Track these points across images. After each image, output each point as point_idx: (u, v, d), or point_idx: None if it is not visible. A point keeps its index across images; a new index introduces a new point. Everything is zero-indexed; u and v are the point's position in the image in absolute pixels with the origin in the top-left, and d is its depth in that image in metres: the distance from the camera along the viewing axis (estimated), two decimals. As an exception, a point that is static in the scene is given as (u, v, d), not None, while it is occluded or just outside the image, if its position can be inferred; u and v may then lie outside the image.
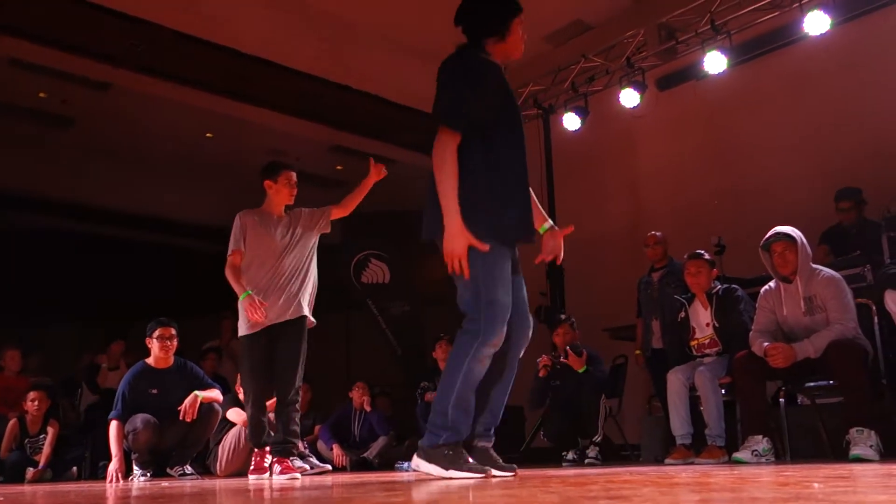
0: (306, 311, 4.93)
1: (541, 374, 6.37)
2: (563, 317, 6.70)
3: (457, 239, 2.91)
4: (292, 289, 4.90)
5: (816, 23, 6.50)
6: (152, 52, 7.71)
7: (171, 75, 8.16)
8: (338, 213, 5.21)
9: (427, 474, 2.92)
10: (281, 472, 4.72)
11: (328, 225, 5.19)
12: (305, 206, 5.26)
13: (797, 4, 6.71)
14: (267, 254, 4.89)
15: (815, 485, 1.98)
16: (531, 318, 3.37)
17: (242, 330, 4.87)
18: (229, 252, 4.90)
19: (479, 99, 2.99)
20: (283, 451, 4.79)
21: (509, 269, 3.15)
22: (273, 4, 7.63)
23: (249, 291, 4.70)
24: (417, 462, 2.97)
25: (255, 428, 4.92)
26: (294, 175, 5.16)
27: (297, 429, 4.89)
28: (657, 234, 6.56)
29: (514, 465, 3.13)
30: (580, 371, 6.18)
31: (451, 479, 2.84)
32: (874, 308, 4.70)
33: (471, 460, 2.94)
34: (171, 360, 5.77)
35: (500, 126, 3.05)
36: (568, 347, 6.25)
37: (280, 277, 4.87)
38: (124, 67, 7.89)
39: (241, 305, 4.75)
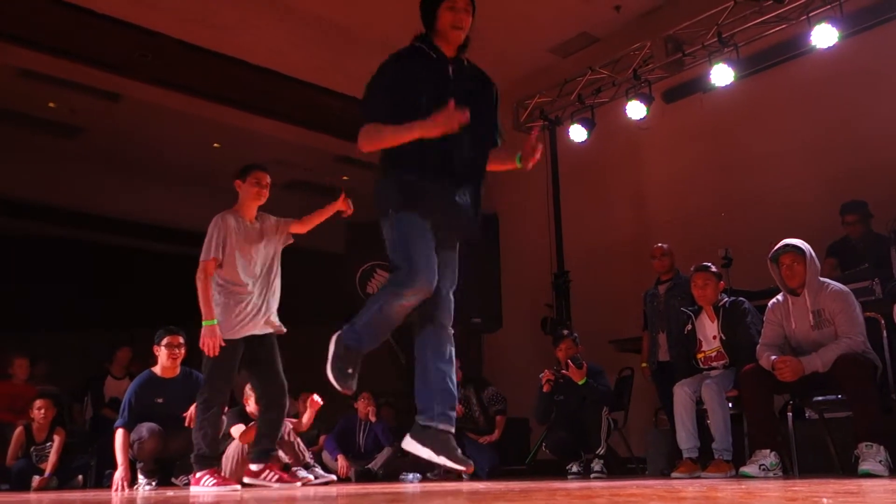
0: (276, 325, 4.93)
1: (545, 389, 6.36)
2: (565, 332, 6.68)
3: None
4: (266, 300, 4.89)
5: (824, 36, 6.49)
6: (161, 62, 7.76)
7: (180, 86, 8.21)
8: (296, 228, 5.14)
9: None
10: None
11: (290, 238, 5.14)
12: (303, 212, 5.27)
13: (804, 17, 6.71)
14: (245, 261, 4.84)
15: (824, 500, 1.97)
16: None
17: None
18: (205, 257, 4.78)
19: (382, 90, 3.27)
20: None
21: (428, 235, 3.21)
22: (281, 16, 7.66)
23: (216, 321, 4.65)
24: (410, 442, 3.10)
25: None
26: (266, 176, 5.09)
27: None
28: (664, 245, 6.55)
29: (470, 461, 3.12)
30: (580, 383, 6.18)
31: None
32: (883, 322, 4.68)
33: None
34: (178, 369, 5.78)
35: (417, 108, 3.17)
36: (569, 359, 6.24)
37: (255, 287, 4.83)
38: (133, 78, 7.95)
39: (204, 329, 4.67)
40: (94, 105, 8.83)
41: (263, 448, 4.96)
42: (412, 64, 3.26)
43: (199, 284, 4.74)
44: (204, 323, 4.65)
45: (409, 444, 3.07)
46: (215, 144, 10.18)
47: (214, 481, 4.67)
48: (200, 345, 4.65)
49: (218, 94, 8.38)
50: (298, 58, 8.03)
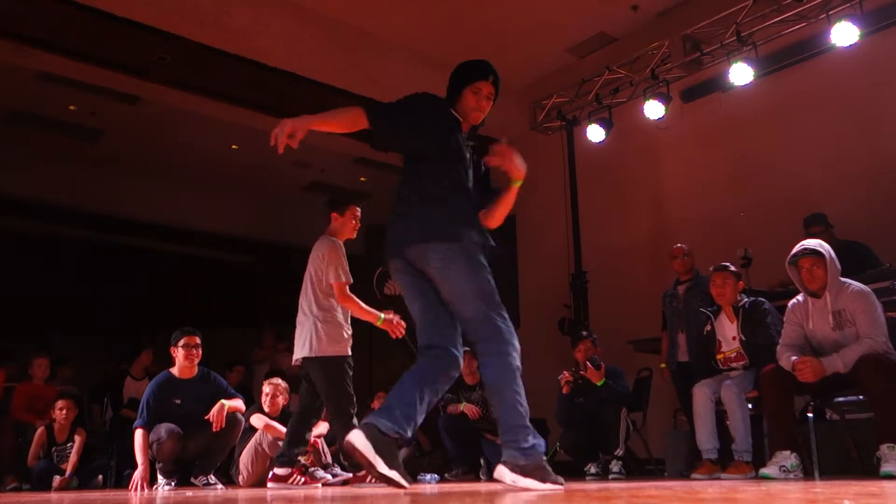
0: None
1: (564, 391, 6.36)
2: (584, 333, 6.67)
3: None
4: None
5: (844, 34, 6.43)
6: (179, 65, 7.81)
7: (198, 88, 8.25)
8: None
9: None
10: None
11: None
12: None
13: (824, 15, 6.66)
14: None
15: (846, 502, 1.95)
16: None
17: (337, 350, 4.98)
18: (343, 280, 5.03)
19: (409, 115, 3.30)
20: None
21: None
22: (298, 18, 7.70)
23: (382, 315, 5.03)
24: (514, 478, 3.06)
25: None
26: (359, 210, 5.32)
27: None
28: (684, 246, 6.51)
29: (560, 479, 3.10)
30: (598, 384, 6.16)
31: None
32: (905, 322, 4.63)
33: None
34: (196, 369, 5.81)
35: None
36: (587, 360, 6.24)
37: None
38: (152, 80, 8.00)
39: (384, 323, 5.03)
40: (114, 108, 8.90)
41: (289, 455, 5.08)
42: (443, 114, 3.34)
43: (348, 304, 5.03)
44: (380, 320, 5.00)
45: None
46: (233, 146, 10.23)
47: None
48: (393, 333, 5.04)
49: (236, 96, 8.43)
50: (315, 59, 8.06)
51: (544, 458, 3.08)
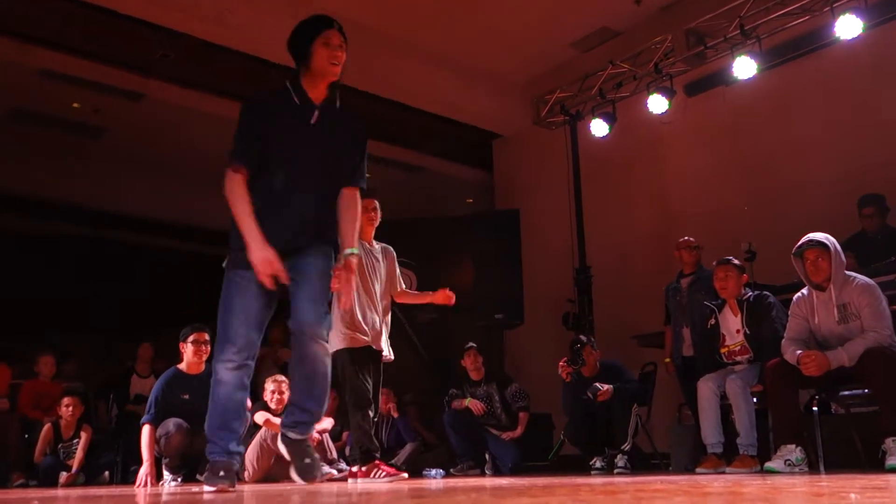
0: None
1: (566, 379, 6.37)
2: (583, 339, 6.63)
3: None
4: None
5: (848, 27, 6.41)
6: (182, 62, 7.81)
7: (201, 85, 8.25)
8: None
9: None
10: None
11: None
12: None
13: (828, 8, 6.63)
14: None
15: (852, 496, 1.95)
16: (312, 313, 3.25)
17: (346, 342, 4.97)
18: None
19: (239, 137, 3.36)
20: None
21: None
22: (300, 14, 7.67)
23: None
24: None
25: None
26: (370, 203, 5.36)
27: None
28: (691, 239, 6.50)
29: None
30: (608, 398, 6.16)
31: None
32: (910, 315, 4.62)
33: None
34: (204, 365, 5.83)
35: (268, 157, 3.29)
36: (588, 394, 6.17)
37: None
38: (154, 77, 8.00)
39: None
40: (117, 105, 8.90)
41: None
42: (269, 112, 3.31)
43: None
44: None
45: None
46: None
47: (384, 472, 4.82)
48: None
49: (238, 93, 8.42)
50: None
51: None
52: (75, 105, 9.00)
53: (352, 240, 3.36)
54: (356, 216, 3.41)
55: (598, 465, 6.19)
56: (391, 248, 5.38)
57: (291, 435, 3.28)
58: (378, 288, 5.14)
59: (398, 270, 5.36)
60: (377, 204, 5.36)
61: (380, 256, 5.23)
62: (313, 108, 3.31)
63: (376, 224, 5.30)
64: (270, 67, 8.01)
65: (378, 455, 5.02)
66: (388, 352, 5.16)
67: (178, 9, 7.19)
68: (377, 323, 5.08)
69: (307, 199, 3.26)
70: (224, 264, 3.36)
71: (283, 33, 8.05)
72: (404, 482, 4.72)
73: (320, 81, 3.33)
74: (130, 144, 9.97)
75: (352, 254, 3.33)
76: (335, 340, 4.97)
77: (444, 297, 5.20)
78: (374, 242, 5.31)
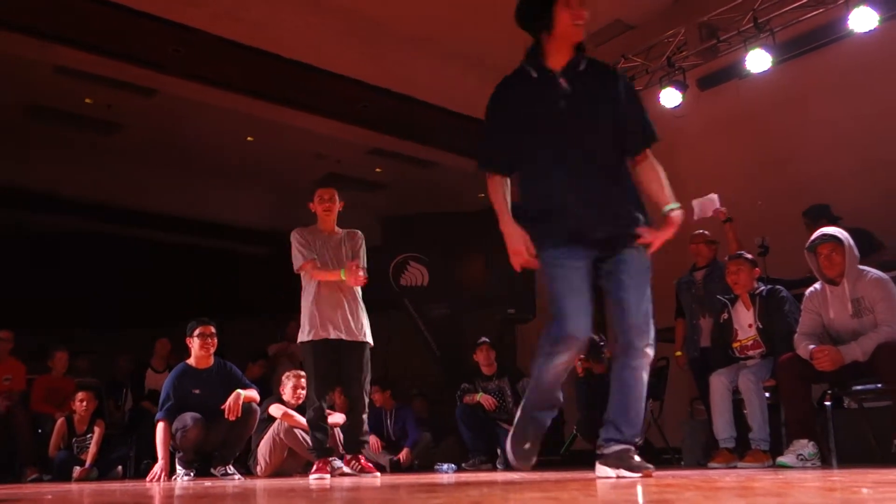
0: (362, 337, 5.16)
1: (580, 374, 6.39)
2: (597, 338, 6.59)
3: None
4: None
5: (862, 19, 6.36)
6: (195, 57, 7.83)
7: (214, 80, 8.27)
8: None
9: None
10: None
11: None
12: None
13: (842, 1, 6.58)
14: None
15: (864, 490, 1.94)
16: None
17: (306, 336, 5.08)
18: (300, 265, 5.18)
19: (486, 136, 3.22)
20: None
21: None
22: (315, 10, 7.69)
23: None
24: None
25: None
26: (328, 193, 5.35)
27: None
28: (707, 232, 6.48)
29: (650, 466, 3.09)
30: None
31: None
32: (924, 310, 4.59)
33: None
34: (212, 359, 5.85)
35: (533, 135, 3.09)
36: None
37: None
38: (168, 73, 8.02)
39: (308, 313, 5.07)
40: (131, 101, 8.94)
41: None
42: (513, 97, 3.12)
43: (318, 276, 5.15)
44: (342, 273, 5.01)
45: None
46: (249, 138, 10.26)
47: (361, 466, 5.13)
48: (357, 283, 5.03)
49: (251, 88, 8.44)
50: (330, 50, 8.05)
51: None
52: (88, 101, 9.03)
53: (667, 197, 3.28)
54: (660, 174, 3.31)
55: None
56: (358, 232, 5.40)
57: (605, 451, 3.13)
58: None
59: (363, 251, 5.35)
60: (335, 193, 5.37)
61: (343, 242, 5.25)
62: (556, 77, 3.06)
63: (335, 212, 5.32)
64: (284, 62, 8.03)
65: (332, 450, 5.18)
66: (368, 337, 5.21)
67: (192, 4, 7.21)
68: (347, 311, 5.09)
69: (588, 181, 3.03)
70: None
71: (297, 28, 8.09)
72: (414, 476, 4.73)
73: (564, 46, 3.07)
74: (144, 140, 10.01)
75: (672, 209, 3.26)
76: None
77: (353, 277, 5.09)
78: (338, 229, 5.32)
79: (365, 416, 5.19)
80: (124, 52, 7.65)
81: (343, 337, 5.05)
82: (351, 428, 5.27)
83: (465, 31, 8.06)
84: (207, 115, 9.16)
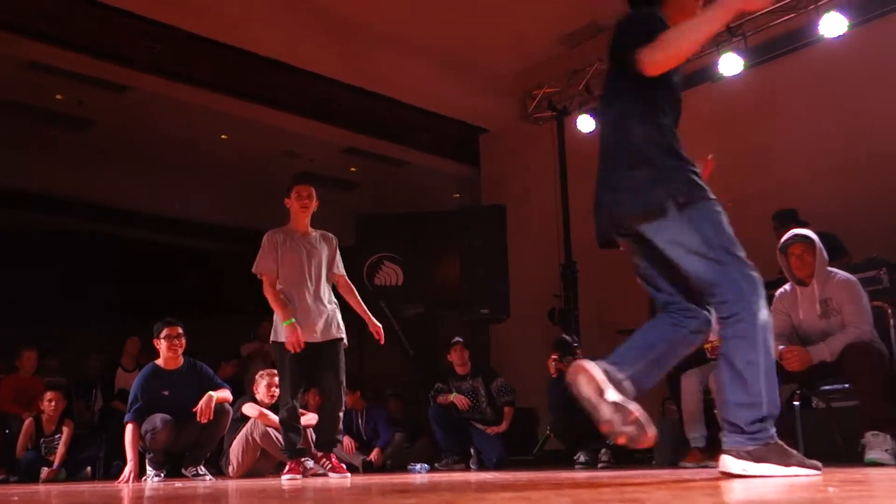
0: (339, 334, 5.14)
1: (553, 375, 6.38)
2: (569, 339, 6.59)
3: None
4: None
5: (832, 25, 6.45)
6: (168, 54, 7.77)
7: (187, 77, 8.21)
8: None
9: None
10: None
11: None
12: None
13: (813, 6, 6.67)
14: (298, 273, 5.08)
15: (830, 489, 1.97)
16: None
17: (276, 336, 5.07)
18: (261, 272, 5.13)
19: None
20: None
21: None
22: (289, 8, 7.66)
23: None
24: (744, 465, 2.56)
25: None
26: (305, 190, 5.28)
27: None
28: None
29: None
30: None
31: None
32: (890, 311, 4.66)
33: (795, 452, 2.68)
34: (181, 360, 5.79)
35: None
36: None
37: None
38: (141, 70, 7.95)
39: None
40: (103, 97, 8.85)
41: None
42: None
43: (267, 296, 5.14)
44: (286, 323, 4.97)
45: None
46: (223, 136, 10.20)
47: (331, 465, 5.11)
48: (288, 344, 4.92)
49: (225, 86, 8.38)
50: (305, 49, 8.03)
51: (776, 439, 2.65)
52: (59, 97, 8.93)
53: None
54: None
55: (581, 459, 6.21)
56: (332, 236, 5.37)
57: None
58: (322, 273, 5.15)
59: (339, 256, 5.34)
60: (313, 191, 5.31)
61: (317, 244, 5.21)
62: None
63: (311, 211, 5.27)
64: (258, 60, 7.99)
65: (305, 451, 5.17)
66: (342, 333, 5.19)
67: (165, 0, 7.15)
68: (320, 313, 5.07)
69: None
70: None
71: (272, 26, 8.05)
72: (388, 476, 4.73)
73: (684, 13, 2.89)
74: (116, 137, 9.91)
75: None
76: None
77: (375, 331, 5.22)
78: (312, 230, 5.28)
79: (340, 415, 5.14)
80: (96, 47, 7.57)
81: (317, 339, 5.03)
82: (325, 426, 5.22)
83: (439, 30, 8.08)
84: (180, 112, 9.09)
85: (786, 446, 2.64)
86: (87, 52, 7.57)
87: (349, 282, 5.35)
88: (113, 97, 8.82)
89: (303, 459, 5.04)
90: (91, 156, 10.25)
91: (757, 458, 2.54)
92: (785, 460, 2.54)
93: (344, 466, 5.29)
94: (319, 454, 5.22)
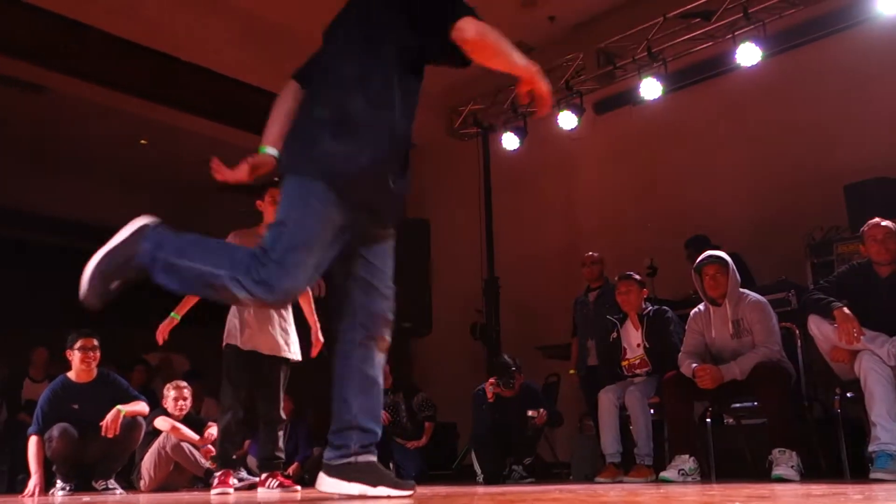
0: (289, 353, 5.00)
1: (490, 399, 6.28)
2: (510, 361, 6.39)
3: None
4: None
5: (748, 54, 6.69)
6: (88, 55, 7.54)
7: (107, 80, 7.98)
8: None
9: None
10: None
11: None
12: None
13: (730, 36, 6.91)
14: None
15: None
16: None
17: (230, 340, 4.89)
18: None
19: None
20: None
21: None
22: (212, 12, 7.54)
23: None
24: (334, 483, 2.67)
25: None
26: (279, 194, 5.14)
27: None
28: (594, 254, 6.64)
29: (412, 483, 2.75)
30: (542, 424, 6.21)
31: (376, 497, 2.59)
32: (798, 332, 4.85)
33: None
34: (94, 372, 5.60)
35: None
36: (533, 418, 6.15)
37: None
38: (58, 71, 7.70)
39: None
40: (17, 97, 8.53)
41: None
42: None
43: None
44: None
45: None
46: (143, 141, 9.94)
47: (279, 482, 4.87)
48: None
49: (146, 90, 8.17)
50: (229, 55, 7.90)
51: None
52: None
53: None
54: None
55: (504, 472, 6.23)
56: None
57: (361, 459, 2.66)
58: None
59: None
60: None
61: None
62: None
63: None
64: (180, 65, 7.82)
65: (237, 463, 5.12)
66: (293, 352, 5.05)
67: (86, 0, 6.96)
68: (278, 325, 4.96)
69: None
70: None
71: (195, 30, 7.89)
72: (304, 491, 4.67)
73: None
74: (30, 138, 9.57)
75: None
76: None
77: (317, 343, 5.10)
78: None
79: (281, 433, 5.04)
80: (12, 46, 7.29)
81: (273, 353, 4.90)
82: (266, 444, 5.03)
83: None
84: (99, 115, 8.83)
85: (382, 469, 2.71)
86: (2, 50, 7.29)
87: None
88: (29, 97, 8.51)
89: (233, 472, 4.89)
90: (3, 157, 9.86)
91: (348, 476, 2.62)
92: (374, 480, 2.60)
93: (292, 482, 5.17)
94: (264, 475, 5.01)
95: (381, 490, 2.59)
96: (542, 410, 6.14)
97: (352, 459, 2.65)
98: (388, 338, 2.76)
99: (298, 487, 5.10)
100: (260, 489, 4.96)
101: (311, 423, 8.28)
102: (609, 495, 2.75)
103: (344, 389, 2.73)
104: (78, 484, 5.48)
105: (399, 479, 2.69)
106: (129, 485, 6.13)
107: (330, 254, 2.54)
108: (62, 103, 8.59)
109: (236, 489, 4.87)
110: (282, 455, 5.12)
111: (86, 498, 4.72)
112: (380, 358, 2.77)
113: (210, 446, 5.78)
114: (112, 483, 5.49)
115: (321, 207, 2.47)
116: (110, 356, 7.05)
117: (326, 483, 2.69)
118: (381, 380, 2.81)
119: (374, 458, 2.69)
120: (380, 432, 2.74)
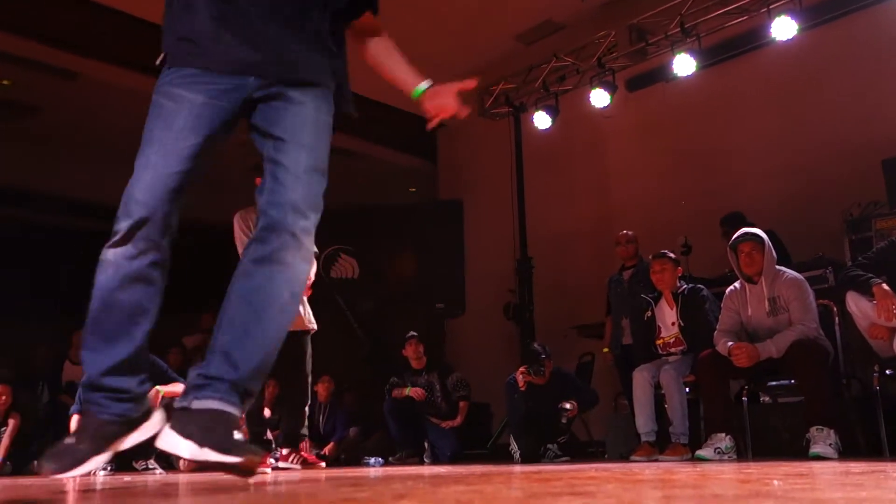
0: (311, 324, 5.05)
1: (521, 388, 6.29)
2: (540, 348, 6.38)
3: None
4: None
5: (783, 28, 6.57)
6: (120, 41, 7.62)
7: (138, 64, 8.06)
8: None
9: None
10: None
11: None
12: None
13: (765, 9, 6.79)
14: None
15: (775, 482, 2.01)
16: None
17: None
18: None
19: None
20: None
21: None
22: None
23: None
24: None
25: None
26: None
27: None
28: (629, 232, 6.59)
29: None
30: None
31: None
32: (836, 309, 4.79)
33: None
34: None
35: None
36: (566, 410, 6.16)
37: None
38: (91, 57, 7.79)
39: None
40: (52, 84, 8.65)
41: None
42: None
43: None
44: None
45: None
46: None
47: (300, 458, 5.03)
48: None
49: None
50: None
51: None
52: (5, 82, 8.71)
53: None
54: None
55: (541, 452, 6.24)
56: None
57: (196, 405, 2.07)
58: None
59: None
60: None
61: None
62: None
63: None
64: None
65: (269, 445, 5.19)
66: (310, 324, 5.09)
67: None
68: None
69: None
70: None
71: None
72: (341, 470, 4.72)
73: None
74: (65, 124, 9.70)
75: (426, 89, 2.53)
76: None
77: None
78: None
79: (307, 409, 5.06)
80: (47, 33, 7.39)
81: (297, 327, 4.86)
82: (290, 420, 5.10)
83: (397, 27, 8.02)
84: (130, 100, 8.91)
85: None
86: (35, 37, 7.39)
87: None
88: (63, 84, 8.63)
89: (266, 453, 4.98)
90: (40, 143, 10.02)
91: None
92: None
93: (315, 457, 5.24)
94: (285, 451, 5.09)
95: (206, 453, 2.01)
96: (573, 403, 6.12)
97: (187, 403, 2.05)
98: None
99: (323, 464, 5.16)
100: (282, 463, 5.03)
101: (349, 404, 8.38)
102: (645, 473, 2.74)
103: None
104: (118, 464, 5.59)
105: (238, 441, 2.03)
106: (169, 465, 6.24)
107: None
108: (94, 89, 8.70)
109: (273, 468, 4.94)
110: (305, 432, 5.17)
111: (126, 478, 4.82)
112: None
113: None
114: (152, 463, 5.60)
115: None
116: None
117: (165, 436, 2.07)
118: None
119: (217, 404, 2.05)
120: (244, 374, 2.13)
